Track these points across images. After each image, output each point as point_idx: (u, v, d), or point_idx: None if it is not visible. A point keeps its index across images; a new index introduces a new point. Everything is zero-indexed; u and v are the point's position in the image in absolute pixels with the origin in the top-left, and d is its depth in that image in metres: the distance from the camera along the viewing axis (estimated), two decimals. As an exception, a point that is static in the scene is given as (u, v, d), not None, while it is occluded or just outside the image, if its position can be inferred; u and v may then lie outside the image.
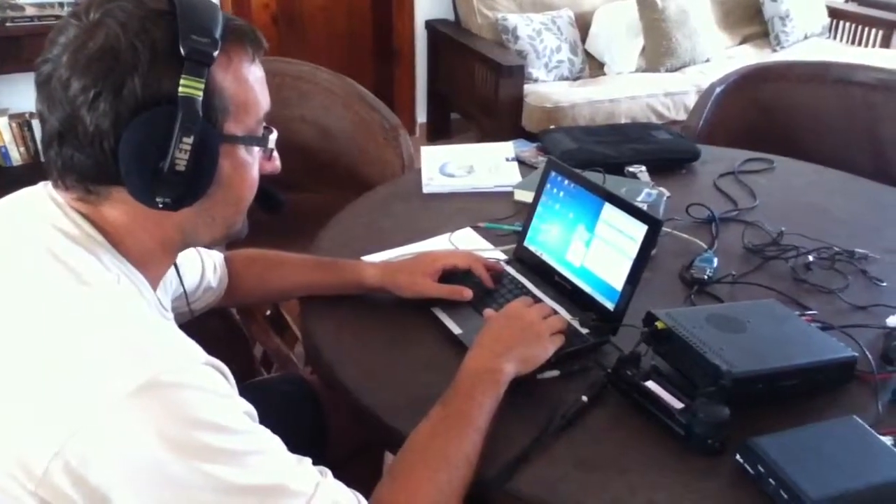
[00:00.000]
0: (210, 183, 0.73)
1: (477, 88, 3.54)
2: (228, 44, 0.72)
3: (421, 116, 4.18)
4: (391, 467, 0.81)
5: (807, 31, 4.05)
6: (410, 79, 4.08)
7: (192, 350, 0.69)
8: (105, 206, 0.72)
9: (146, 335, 0.66)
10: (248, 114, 0.75)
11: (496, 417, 0.86)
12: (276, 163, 0.84)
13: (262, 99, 0.77)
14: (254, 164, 0.79)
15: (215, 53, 0.70)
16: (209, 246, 1.02)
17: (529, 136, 2.50)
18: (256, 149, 0.79)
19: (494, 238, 1.36)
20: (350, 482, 0.75)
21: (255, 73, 0.76)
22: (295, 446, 0.73)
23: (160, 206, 0.71)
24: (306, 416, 1.19)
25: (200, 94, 0.68)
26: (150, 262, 0.77)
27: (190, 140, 0.69)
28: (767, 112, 2.12)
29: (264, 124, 0.79)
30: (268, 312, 1.95)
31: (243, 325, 1.66)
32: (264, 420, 0.72)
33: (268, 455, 0.68)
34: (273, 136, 0.80)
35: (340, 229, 1.40)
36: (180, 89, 0.68)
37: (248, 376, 1.36)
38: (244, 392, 0.73)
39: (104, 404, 0.61)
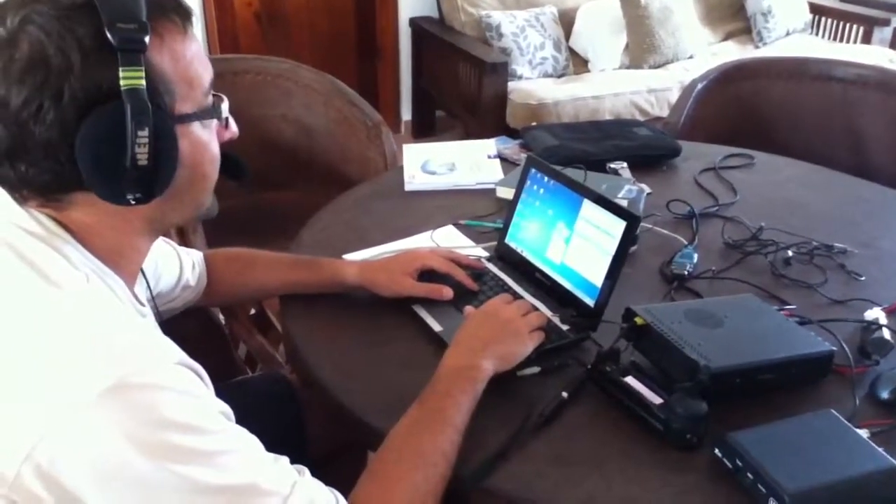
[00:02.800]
0: (175, 168, 0.72)
1: (461, 86, 3.54)
2: (156, 22, 0.69)
3: (406, 114, 4.16)
4: (369, 466, 0.80)
5: (789, 28, 4.07)
6: (395, 76, 4.07)
7: (165, 350, 0.68)
8: (68, 209, 0.71)
9: (117, 336, 0.66)
10: (194, 88, 0.73)
11: (475, 414, 0.86)
12: (234, 128, 0.82)
13: (204, 70, 0.75)
14: (212, 138, 0.77)
15: (146, 38, 0.67)
16: (183, 227, 0.99)
17: (514, 134, 2.49)
18: (213, 121, 0.77)
19: (476, 235, 1.36)
20: (334, 482, 0.75)
21: (190, 47, 0.73)
22: (275, 445, 0.72)
23: (133, 202, 0.70)
24: (286, 415, 1.19)
25: (143, 82, 0.66)
26: (121, 257, 0.76)
27: (146, 132, 0.67)
28: (747, 108, 2.13)
29: (213, 93, 0.77)
30: (252, 311, 1.94)
31: (227, 325, 1.65)
32: (243, 419, 0.71)
33: (241, 454, 0.68)
34: (225, 105, 0.79)
35: (321, 227, 1.39)
36: (122, 82, 0.65)
37: (229, 375, 1.35)
38: (224, 391, 0.72)
39: (73, 406, 0.60)
